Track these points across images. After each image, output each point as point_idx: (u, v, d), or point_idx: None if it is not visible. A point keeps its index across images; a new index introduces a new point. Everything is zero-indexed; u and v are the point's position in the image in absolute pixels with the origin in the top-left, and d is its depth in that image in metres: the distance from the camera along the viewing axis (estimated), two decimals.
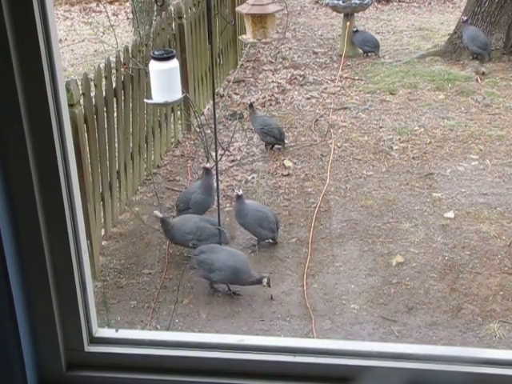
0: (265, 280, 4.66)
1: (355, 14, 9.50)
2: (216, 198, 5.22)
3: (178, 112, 6.97)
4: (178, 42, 6.82)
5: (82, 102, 4.83)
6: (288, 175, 6.31)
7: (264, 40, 5.05)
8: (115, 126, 5.47)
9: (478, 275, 4.88)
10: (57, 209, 1.44)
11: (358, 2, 9.20)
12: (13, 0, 1.29)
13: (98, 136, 5.13)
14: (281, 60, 9.25)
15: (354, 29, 9.09)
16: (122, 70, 5.57)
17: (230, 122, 7.28)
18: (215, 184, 5.24)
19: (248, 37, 5.02)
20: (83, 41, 10.15)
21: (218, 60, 8.11)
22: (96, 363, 1.57)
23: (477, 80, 8.23)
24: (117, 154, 5.52)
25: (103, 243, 5.31)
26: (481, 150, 6.61)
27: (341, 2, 9.22)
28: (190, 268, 4.93)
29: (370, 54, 9.19)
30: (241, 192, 5.29)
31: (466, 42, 8.73)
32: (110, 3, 11.88)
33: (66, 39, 10.15)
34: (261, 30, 4.89)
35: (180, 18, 6.86)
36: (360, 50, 9.25)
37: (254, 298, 4.78)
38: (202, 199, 5.44)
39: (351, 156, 6.59)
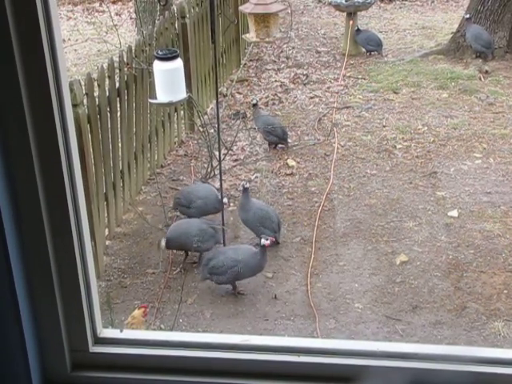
0: (263, 240, 4.66)
1: (358, 13, 9.50)
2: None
3: (182, 111, 6.97)
4: (181, 42, 6.82)
5: (85, 102, 4.83)
6: (291, 174, 6.31)
7: (267, 39, 5.04)
8: (119, 126, 5.47)
9: (482, 274, 4.87)
10: (61, 209, 1.44)
11: (361, 0, 9.20)
12: (16, 0, 1.29)
13: (102, 136, 5.13)
14: (284, 59, 9.25)
15: (356, 28, 9.08)
16: (126, 69, 5.57)
17: (233, 122, 7.27)
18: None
19: (251, 36, 5.02)
20: (86, 41, 10.15)
21: (221, 59, 8.11)
22: (101, 364, 1.57)
23: (480, 78, 8.22)
24: (120, 154, 5.52)
25: (107, 243, 5.31)
26: (484, 149, 6.60)
27: (344, 1, 9.21)
28: (202, 279, 4.88)
29: (373, 53, 9.18)
30: (247, 185, 5.30)
31: (469, 40, 8.71)
32: (113, 3, 11.88)
33: (69, 39, 10.16)
34: (264, 30, 4.89)
35: (183, 17, 6.86)
36: (363, 49, 9.24)
37: (258, 298, 4.78)
38: (204, 204, 5.44)
39: (355, 155, 6.59)
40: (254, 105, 6.78)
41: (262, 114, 6.91)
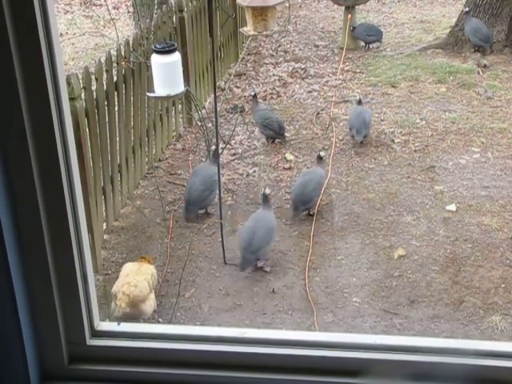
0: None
1: (356, 7, 9.47)
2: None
3: (179, 105, 6.96)
4: (179, 36, 6.81)
5: (83, 95, 4.82)
6: (289, 168, 6.30)
7: (265, 33, 5.02)
8: (116, 120, 5.46)
9: (479, 268, 4.88)
10: (58, 203, 1.44)
11: None
12: None
13: (99, 130, 5.12)
14: (282, 53, 9.23)
15: (352, 27, 9.05)
16: (123, 63, 5.56)
17: (231, 116, 7.27)
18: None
19: (248, 29, 5.00)
20: (84, 34, 10.12)
21: (219, 53, 8.09)
22: (98, 357, 1.57)
23: (478, 72, 8.21)
24: (118, 148, 5.51)
25: (105, 237, 5.31)
26: (482, 143, 6.60)
27: None
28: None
29: (374, 44, 9.12)
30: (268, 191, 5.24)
31: (467, 34, 8.70)
32: None
33: (66, 33, 10.13)
34: (261, 23, 4.87)
35: (181, 11, 6.84)
36: (361, 43, 9.22)
37: (256, 292, 4.79)
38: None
39: (352, 149, 6.59)
40: (254, 96, 6.77)
41: (260, 107, 6.88)
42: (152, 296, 4.39)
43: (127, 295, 4.25)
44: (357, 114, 6.69)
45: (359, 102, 6.88)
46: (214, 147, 5.41)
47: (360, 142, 6.59)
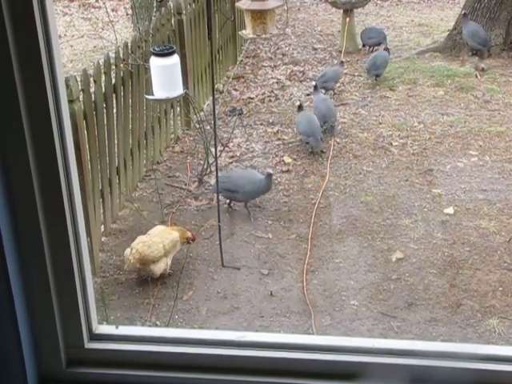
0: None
1: (354, 10, 9.48)
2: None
3: (178, 108, 6.96)
4: (178, 38, 6.81)
5: (81, 98, 4.81)
6: (288, 171, 6.30)
7: (264, 36, 5.03)
8: (115, 122, 5.46)
9: (477, 271, 4.88)
10: (57, 206, 1.44)
11: None
12: None
13: (98, 132, 5.12)
14: (280, 56, 9.24)
15: (363, 45, 9.14)
16: (122, 66, 5.56)
17: (229, 118, 7.28)
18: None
19: (248, 32, 5.00)
20: (82, 36, 10.13)
21: (217, 56, 8.10)
22: (96, 360, 1.57)
23: (476, 76, 8.23)
24: (116, 150, 5.51)
25: (103, 239, 5.30)
26: (480, 146, 6.61)
27: None
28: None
29: (378, 46, 9.12)
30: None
31: (465, 37, 8.72)
32: None
33: (65, 35, 10.13)
34: (260, 26, 4.87)
35: (179, 13, 6.84)
36: (360, 46, 9.24)
37: (254, 294, 4.79)
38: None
39: (351, 152, 6.59)
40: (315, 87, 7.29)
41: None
42: (166, 260, 4.80)
43: (139, 253, 4.69)
44: (374, 55, 8.22)
45: (386, 49, 8.29)
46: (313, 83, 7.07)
47: (375, 78, 8.09)
